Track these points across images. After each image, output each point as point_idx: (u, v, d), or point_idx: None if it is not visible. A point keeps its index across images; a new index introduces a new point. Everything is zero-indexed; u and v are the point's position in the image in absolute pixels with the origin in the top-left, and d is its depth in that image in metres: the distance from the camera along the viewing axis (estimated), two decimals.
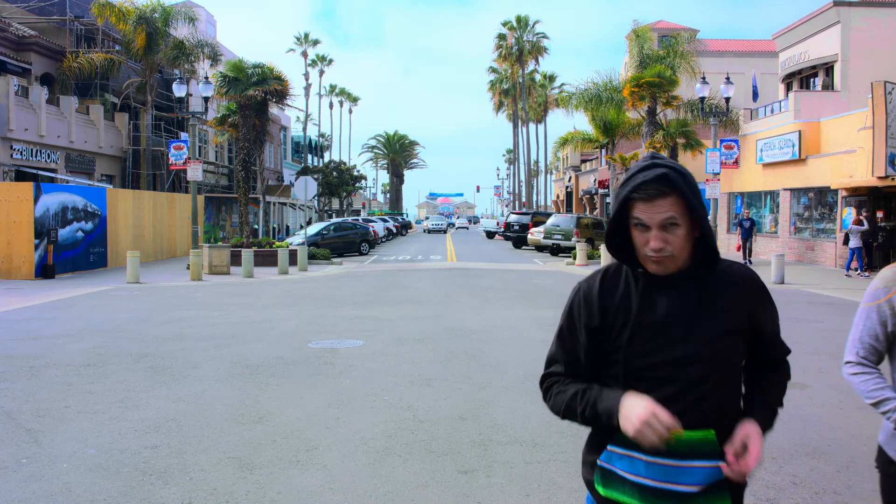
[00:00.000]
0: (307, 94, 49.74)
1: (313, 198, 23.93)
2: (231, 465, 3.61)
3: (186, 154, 16.92)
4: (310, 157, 49.44)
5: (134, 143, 23.14)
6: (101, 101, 22.25)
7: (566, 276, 15.39)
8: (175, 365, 5.98)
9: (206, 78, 17.77)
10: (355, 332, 7.67)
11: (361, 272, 16.64)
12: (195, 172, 16.63)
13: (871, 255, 14.78)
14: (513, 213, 33.56)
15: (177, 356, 6.34)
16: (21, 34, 20.32)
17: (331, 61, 52.51)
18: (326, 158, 51.23)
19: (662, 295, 1.36)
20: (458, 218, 76.41)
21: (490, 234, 40.50)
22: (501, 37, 44.14)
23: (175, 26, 23.29)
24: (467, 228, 62.12)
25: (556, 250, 22.26)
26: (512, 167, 61.87)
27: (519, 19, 43.66)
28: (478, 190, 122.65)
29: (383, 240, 31.67)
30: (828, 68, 20.65)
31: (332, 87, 58.74)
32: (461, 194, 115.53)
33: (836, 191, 16.42)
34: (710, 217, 15.72)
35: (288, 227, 30.24)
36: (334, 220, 29.85)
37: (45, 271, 13.96)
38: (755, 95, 23.31)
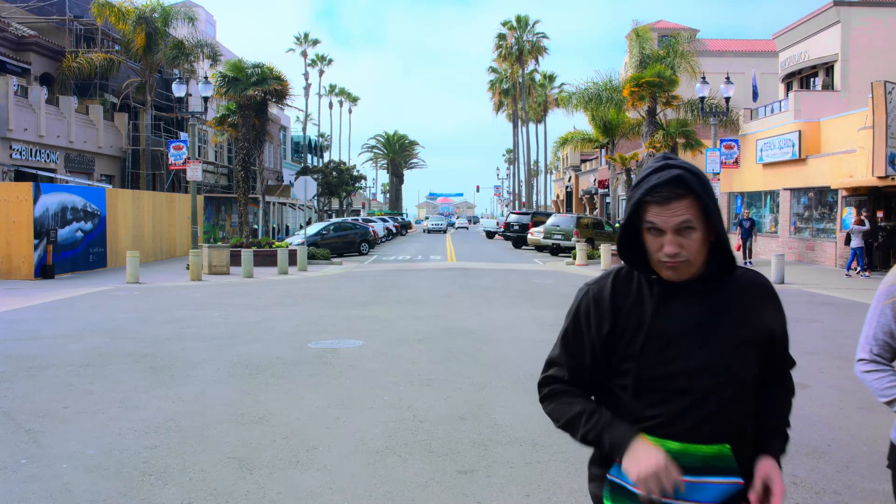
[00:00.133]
0: (307, 94, 49.77)
1: (313, 198, 23.92)
2: (231, 466, 3.60)
3: (186, 154, 16.91)
4: (309, 156, 49.45)
5: (133, 143, 23.14)
6: (101, 101, 22.24)
7: (566, 276, 15.38)
8: (175, 365, 5.98)
9: (206, 78, 17.76)
10: (355, 333, 7.66)
11: (361, 272, 16.63)
12: (195, 172, 16.62)
13: (871, 255, 14.77)
14: (513, 212, 33.55)
15: (176, 356, 6.33)
16: (20, 34, 20.31)
17: (330, 61, 52.52)
18: (326, 158, 51.25)
19: (678, 302, 1.30)
20: (457, 218, 76.42)
21: (490, 234, 40.51)
22: (501, 36, 44.16)
23: (175, 26, 23.28)
24: (467, 228, 62.13)
25: (555, 250, 22.26)
26: (512, 167, 61.91)
27: (519, 19, 43.67)
28: (478, 190, 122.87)
29: (383, 240, 31.67)
30: (828, 68, 20.65)
31: (332, 87, 58.76)
32: (461, 194, 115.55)
33: (836, 191, 16.43)
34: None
35: (287, 227, 30.24)
36: (334, 220, 29.85)
37: (44, 271, 13.95)
38: (755, 95, 23.31)
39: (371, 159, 66.11)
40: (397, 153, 63.99)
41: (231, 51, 31.61)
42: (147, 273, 14.93)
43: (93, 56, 21.38)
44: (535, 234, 23.94)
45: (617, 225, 25.74)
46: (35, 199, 13.84)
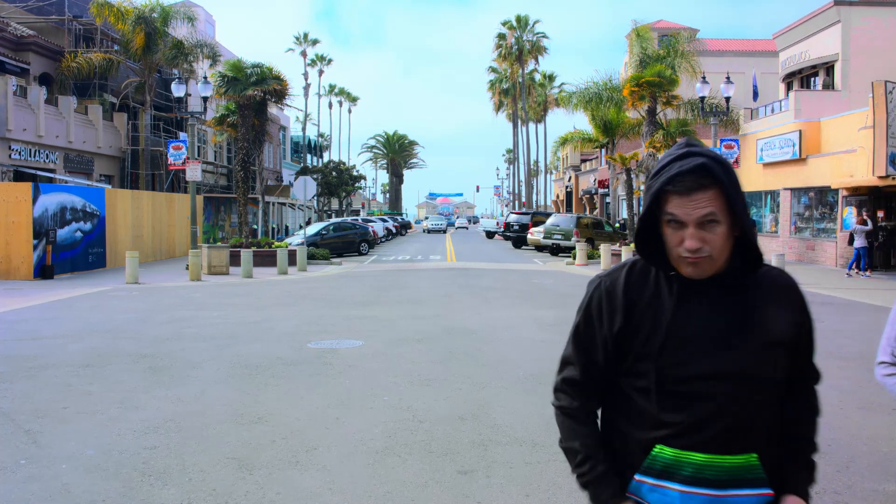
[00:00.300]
0: (306, 94, 49.75)
1: (312, 198, 23.91)
2: (230, 466, 3.60)
3: (185, 154, 16.90)
4: (309, 156, 49.44)
5: (133, 143, 23.13)
6: (100, 101, 22.23)
7: (566, 276, 15.38)
8: (174, 365, 5.97)
9: (205, 78, 17.74)
10: (355, 333, 7.66)
11: (361, 272, 16.63)
12: (194, 172, 16.61)
13: (871, 255, 14.78)
14: (512, 212, 33.55)
15: (176, 357, 6.33)
16: (19, 34, 20.30)
17: (330, 61, 52.50)
18: (326, 158, 51.24)
19: (698, 301, 1.20)
20: (457, 218, 76.44)
21: (490, 234, 40.52)
22: (501, 36, 44.16)
23: (174, 26, 23.27)
24: (467, 228, 62.14)
25: (555, 250, 22.26)
26: (512, 167, 61.92)
27: (519, 19, 43.67)
28: (477, 190, 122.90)
29: (383, 240, 31.66)
30: (828, 68, 20.64)
31: (332, 87, 58.73)
32: (461, 194, 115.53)
33: (836, 190, 16.42)
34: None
35: (287, 227, 30.23)
36: (333, 220, 29.84)
37: (43, 272, 13.94)
38: (755, 95, 23.31)
39: (371, 159, 66.13)
40: (397, 153, 63.98)
41: (230, 51, 31.61)
42: (146, 273, 14.92)
43: (92, 56, 21.37)
44: (535, 234, 23.94)
45: (617, 225, 25.77)
46: (34, 200, 13.83)
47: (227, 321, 8.51)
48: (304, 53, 50.13)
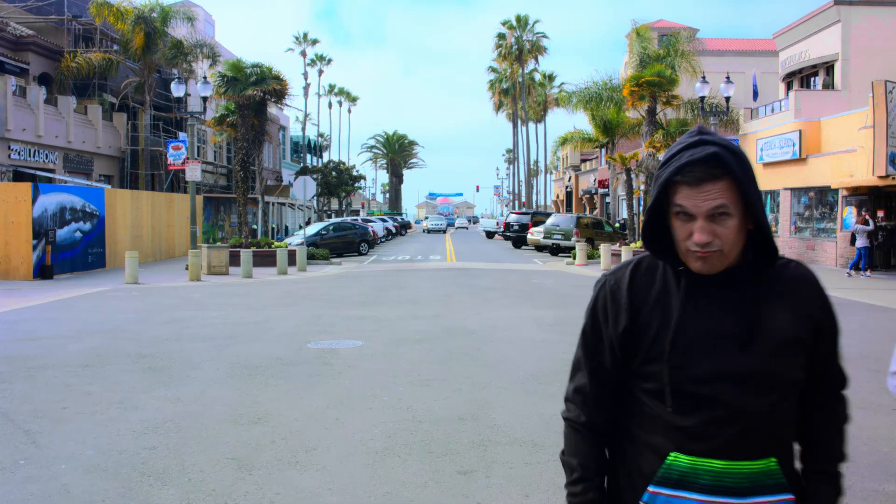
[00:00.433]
0: (306, 94, 49.74)
1: (312, 198, 23.90)
2: (230, 466, 3.59)
3: (185, 154, 16.88)
4: (309, 156, 49.43)
5: (132, 143, 23.12)
6: (100, 101, 22.22)
7: (566, 276, 15.37)
8: (174, 366, 5.97)
9: (205, 78, 17.74)
10: (354, 333, 7.65)
11: (360, 272, 16.62)
12: (194, 172, 16.60)
13: (871, 255, 14.78)
14: (512, 212, 33.55)
15: (175, 357, 6.32)
16: (19, 34, 20.29)
17: (330, 61, 52.50)
18: (325, 158, 51.24)
19: (709, 298, 1.14)
20: (457, 218, 76.47)
21: (490, 234, 40.54)
22: (501, 36, 44.17)
23: (173, 26, 23.26)
24: (466, 228, 62.14)
25: (555, 250, 22.25)
26: (511, 167, 61.94)
27: (519, 19, 43.68)
28: (477, 190, 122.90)
29: (382, 240, 31.65)
30: (828, 67, 20.64)
31: (332, 87, 58.74)
32: (461, 194, 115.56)
33: (836, 190, 16.42)
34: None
35: (287, 227, 30.23)
36: (333, 220, 29.84)
37: (43, 272, 13.93)
38: (755, 95, 23.30)
39: (370, 159, 66.14)
40: (397, 153, 63.99)
41: (230, 51, 31.60)
42: (146, 273, 14.91)
43: (91, 56, 21.36)
44: (535, 233, 23.93)
45: (617, 225, 25.75)
46: (34, 200, 13.82)
47: (226, 321, 8.50)
48: (303, 53, 50.13)
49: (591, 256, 18.68)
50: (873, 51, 19.04)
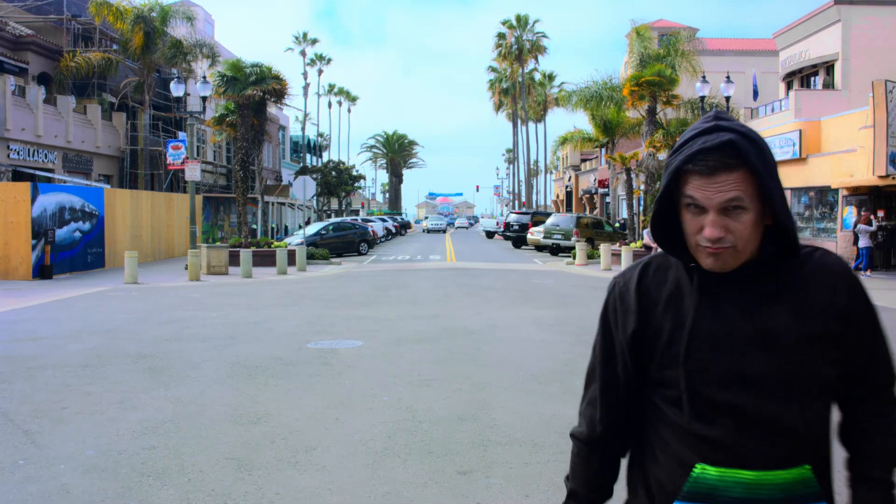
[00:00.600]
0: (306, 94, 49.73)
1: (312, 197, 23.90)
2: (229, 466, 3.59)
3: (184, 154, 16.87)
4: (308, 156, 49.42)
5: (132, 142, 23.11)
6: (99, 100, 22.20)
7: (566, 276, 15.37)
8: (173, 366, 5.96)
9: (204, 77, 17.73)
10: (354, 333, 7.64)
11: (360, 272, 16.61)
12: (193, 172, 16.59)
13: (871, 256, 14.79)
14: (512, 212, 33.55)
15: (175, 357, 6.31)
16: (18, 33, 20.27)
17: (329, 60, 52.49)
18: (325, 158, 51.23)
19: (725, 296, 1.05)
20: (457, 217, 76.46)
21: (489, 234, 40.55)
22: (501, 36, 44.17)
23: (173, 26, 23.25)
24: (466, 228, 62.13)
25: (555, 250, 22.25)
26: (511, 167, 61.95)
27: (518, 18, 43.68)
28: (477, 189, 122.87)
29: (382, 240, 31.64)
30: (828, 67, 20.64)
31: (331, 87, 58.73)
32: (460, 194, 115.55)
33: (836, 190, 16.42)
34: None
35: (286, 226, 30.22)
36: (333, 219, 29.83)
37: (42, 272, 13.92)
38: (755, 94, 23.31)
39: (370, 159, 66.14)
40: (396, 153, 63.99)
41: (229, 50, 31.59)
42: (145, 273, 14.90)
43: (91, 55, 21.35)
44: (535, 233, 23.93)
45: (617, 225, 25.74)
46: (33, 200, 13.81)
47: (226, 321, 8.49)
48: (303, 53, 50.11)
49: (591, 256, 18.67)
50: (873, 50, 19.04)
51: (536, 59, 44.68)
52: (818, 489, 1.05)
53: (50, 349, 6.67)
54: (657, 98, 18.94)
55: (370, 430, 4.18)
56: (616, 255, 17.26)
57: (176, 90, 17.26)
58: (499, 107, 49.90)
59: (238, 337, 7.35)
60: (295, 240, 20.75)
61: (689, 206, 1.03)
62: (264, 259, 17.35)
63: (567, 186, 47.84)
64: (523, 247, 26.59)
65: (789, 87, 22.49)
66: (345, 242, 23.00)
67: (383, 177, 78.00)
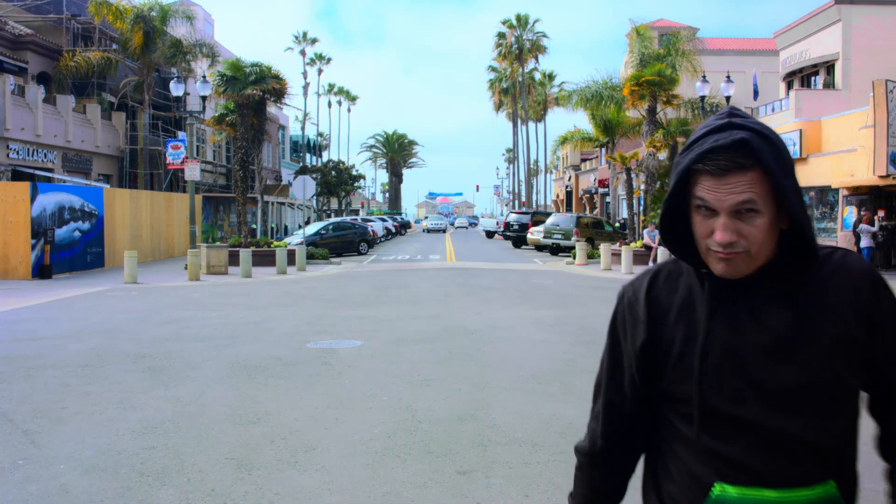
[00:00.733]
0: (305, 93, 49.73)
1: (312, 197, 23.90)
2: (229, 466, 3.58)
3: (184, 153, 16.87)
4: (308, 156, 49.42)
5: (131, 142, 23.10)
6: (98, 100, 22.19)
7: (566, 276, 15.37)
8: (173, 366, 5.96)
9: (204, 77, 17.72)
10: (354, 333, 7.64)
11: (360, 272, 16.61)
12: (193, 172, 16.58)
13: (872, 256, 14.79)
14: (512, 212, 33.56)
15: (175, 357, 6.31)
16: (17, 33, 20.26)
17: (329, 60, 52.49)
18: (325, 158, 51.25)
19: (740, 304, 0.99)
20: (457, 217, 76.48)
21: (489, 234, 40.57)
22: (501, 35, 44.18)
23: (173, 25, 23.25)
24: (466, 228, 62.12)
25: (555, 250, 22.25)
26: (511, 166, 61.95)
27: (519, 18, 43.69)
28: (477, 189, 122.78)
29: (382, 239, 31.64)
30: (829, 67, 20.64)
31: (331, 86, 58.72)
32: (460, 193, 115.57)
33: (836, 190, 16.42)
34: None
35: (286, 226, 30.22)
36: (333, 219, 29.83)
37: (41, 271, 13.92)
38: (756, 94, 23.32)
39: (370, 159, 66.14)
40: (396, 152, 63.98)
41: (229, 50, 31.58)
42: (145, 273, 14.89)
43: (90, 55, 21.33)
44: (535, 233, 23.93)
45: (617, 225, 25.74)
46: (32, 199, 13.80)
47: (225, 321, 8.49)
48: (303, 52, 50.10)
49: (591, 256, 18.66)
50: (874, 50, 19.03)
51: (536, 58, 44.70)
52: None
53: (49, 349, 6.66)
54: (657, 98, 18.93)
55: (370, 430, 4.17)
56: (616, 255, 17.26)
57: (175, 90, 17.25)
58: (499, 106, 49.90)
59: (238, 337, 7.35)
60: (294, 239, 20.74)
61: (699, 208, 0.97)
62: (264, 259, 17.34)
63: (567, 186, 47.84)
64: (523, 246, 26.59)
65: (790, 86, 22.49)
66: (344, 242, 22.99)
67: (383, 176, 78.06)
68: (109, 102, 22.86)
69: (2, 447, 3.88)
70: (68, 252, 15.00)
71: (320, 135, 56.22)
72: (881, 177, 14.18)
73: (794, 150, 18.05)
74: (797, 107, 19.15)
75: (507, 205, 71.77)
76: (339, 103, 60.41)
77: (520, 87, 45.05)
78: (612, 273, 15.70)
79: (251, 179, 20.06)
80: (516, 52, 43.74)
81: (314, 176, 35.06)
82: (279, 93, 19.86)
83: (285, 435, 4.09)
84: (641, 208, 20.68)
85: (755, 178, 0.94)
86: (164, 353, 6.47)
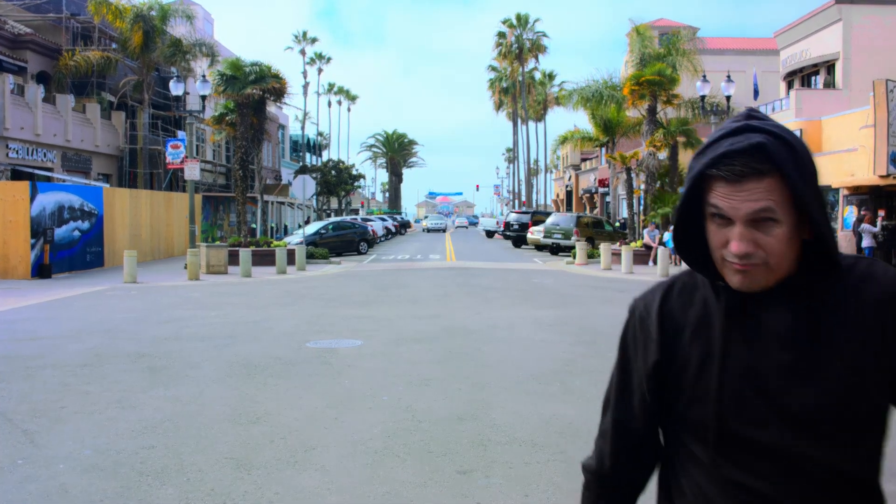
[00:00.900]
0: (305, 93, 49.71)
1: (311, 197, 23.88)
2: (228, 466, 3.58)
3: (184, 153, 16.86)
4: (308, 155, 49.41)
5: (131, 141, 23.09)
6: (98, 99, 22.18)
7: (566, 276, 15.37)
8: (173, 365, 5.95)
9: (204, 76, 17.70)
10: (354, 332, 7.63)
11: (360, 272, 16.60)
12: (192, 171, 16.57)
13: (872, 256, 14.79)
14: (512, 212, 33.55)
15: (174, 356, 6.30)
16: (17, 32, 20.25)
17: (329, 60, 52.47)
18: (325, 157, 51.25)
19: (759, 319, 0.93)
20: (457, 217, 76.49)
21: (489, 233, 40.57)
22: (501, 35, 44.19)
23: (172, 24, 23.24)
24: (466, 228, 62.12)
25: (555, 249, 22.25)
26: (511, 166, 61.94)
27: (519, 17, 43.69)
28: (477, 189, 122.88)
29: (382, 239, 31.63)
30: (829, 66, 20.63)
31: (331, 86, 58.71)
32: (460, 193, 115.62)
33: (837, 189, 16.42)
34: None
35: (286, 226, 30.22)
36: (333, 219, 29.83)
37: (41, 271, 13.91)
38: (756, 94, 23.32)
39: (370, 158, 66.10)
40: (396, 152, 63.96)
41: (229, 49, 31.56)
42: (145, 273, 14.89)
43: (90, 54, 21.32)
44: (535, 233, 23.92)
45: (617, 224, 25.74)
46: (32, 199, 13.79)
47: (225, 321, 8.48)
48: (302, 52, 50.07)
49: (592, 256, 18.66)
50: (874, 50, 19.03)
51: (537, 58, 44.70)
52: None
53: (49, 348, 6.65)
54: (657, 97, 18.93)
55: (370, 429, 4.17)
56: (616, 255, 17.25)
57: (175, 89, 17.23)
58: (499, 106, 49.89)
59: (237, 336, 7.34)
60: (294, 239, 20.73)
61: (713, 217, 0.91)
62: (264, 258, 17.34)
63: (567, 186, 47.83)
64: (523, 246, 26.58)
65: (790, 86, 22.48)
66: (344, 242, 22.98)
67: (383, 176, 78.03)
68: (109, 102, 22.85)
69: (1, 446, 3.87)
70: (68, 251, 14.99)
71: (320, 134, 56.22)
72: (881, 176, 14.18)
73: None
74: (797, 106, 19.15)
75: (507, 204, 71.75)
76: (339, 103, 60.41)
77: (520, 87, 45.05)
78: (613, 273, 15.69)
79: (251, 179, 20.04)
80: (516, 52, 43.73)
81: (314, 175, 35.05)
82: (279, 92, 19.85)
83: (285, 434, 4.08)
84: (641, 208, 20.67)
85: (773, 185, 0.87)
86: (163, 352, 6.46)
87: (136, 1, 22.41)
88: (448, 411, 4.57)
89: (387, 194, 77.79)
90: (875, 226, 14.01)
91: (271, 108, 24.56)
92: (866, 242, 14.13)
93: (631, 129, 23.63)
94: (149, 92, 22.86)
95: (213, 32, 33.82)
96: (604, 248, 17.10)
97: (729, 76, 17.44)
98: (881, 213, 15.41)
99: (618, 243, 19.24)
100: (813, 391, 0.90)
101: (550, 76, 49.24)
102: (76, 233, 15.36)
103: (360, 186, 54.15)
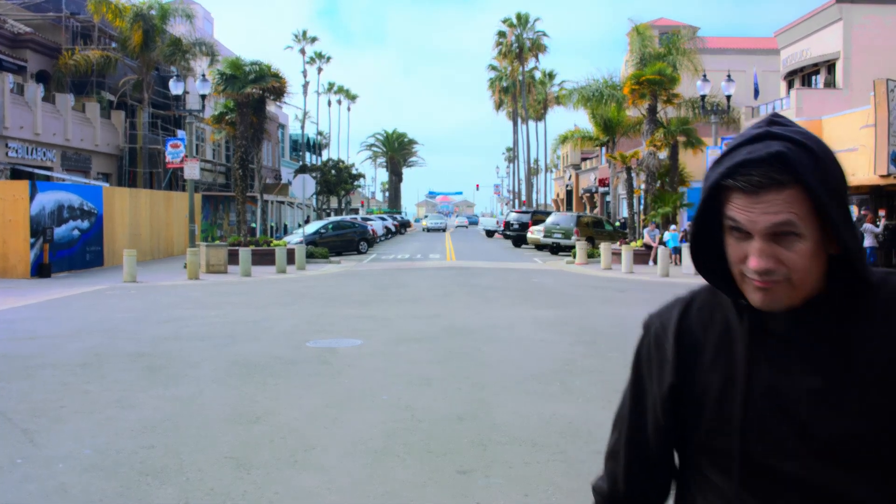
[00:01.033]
0: (305, 92, 49.67)
1: (311, 196, 23.89)
2: (228, 465, 3.57)
3: (183, 152, 16.85)
4: (308, 155, 49.40)
5: (130, 140, 23.08)
6: (98, 98, 22.17)
7: (566, 275, 15.37)
8: (172, 365, 5.94)
9: (204, 75, 17.69)
10: (354, 332, 7.63)
11: (360, 271, 16.60)
12: (192, 170, 16.56)
13: (873, 255, 14.78)
14: (512, 211, 33.55)
15: (174, 356, 6.30)
16: (17, 31, 20.24)
17: (329, 59, 52.42)
18: (325, 157, 51.24)
19: (784, 341, 0.86)
20: (457, 216, 76.51)
21: (489, 233, 40.57)
22: (501, 34, 44.17)
23: (172, 23, 23.23)
24: (466, 227, 62.12)
25: (555, 249, 22.25)
26: (512, 165, 61.93)
27: (519, 17, 43.68)
28: (477, 188, 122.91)
29: (382, 238, 31.63)
30: (830, 66, 20.63)
31: (331, 85, 58.67)
32: (460, 192, 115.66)
33: None
34: None
35: (286, 225, 30.21)
36: (332, 218, 29.84)
37: (40, 270, 13.90)
38: (756, 93, 23.30)
39: (370, 157, 66.11)
40: (396, 151, 63.96)
41: (229, 48, 31.54)
42: (144, 272, 14.88)
43: (89, 53, 21.31)
44: (535, 232, 23.92)
45: (617, 224, 25.74)
46: (31, 198, 13.78)
47: (225, 320, 8.48)
48: (302, 51, 50.03)
49: (592, 255, 18.65)
50: (874, 49, 19.02)
51: (537, 57, 44.68)
52: None
53: (48, 348, 6.65)
54: (658, 96, 18.91)
55: (369, 429, 4.16)
56: (616, 255, 17.25)
57: (175, 88, 17.21)
58: (499, 105, 49.87)
59: (237, 336, 7.33)
60: (294, 238, 20.72)
61: (731, 230, 0.84)
62: (263, 258, 17.33)
63: (567, 185, 47.83)
64: (523, 246, 26.58)
65: (790, 85, 22.47)
66: (344, 241, 22.97)
67: (383, 175, 78.00)
68: (109, 101, 22.84)
69: (1, 446, 3.87)
70: (67, 251, 14.99)
71: (320, 133, 56.19)
72: (882, 176, 14.18)
73: None
74: (798, 106, 19.14)
75: (507, 204, 71.73)
76: (339, 102, 60.37)
77: (520, 86, 45.03)
78: (613, 272, 15.69)
79: (251, 178, 20.03)
80: (516, 51, 43.71)
81: (314, 175, 35.04)
82: (279, 91, 19.83)
83: (284, 434, 4.07)
84: (642, 207, 20.67)
85: (794, 197, 0.81)
86: (163, 352, 6.46)
87: (136, 0, 22.39)
88: (448, 411, 4.57)
89: (387, 194, 77.79)
90: (876, 226, 13.99)
91: (271, 108, 24.57)
92: (867, 242, 14.13)
93: (631, 128, 23.62)
94: (148, 91, 22.85)
95: (213, 31, 33.80)
96: (604, 247, 17.10)
97: (729, 76, 17.43)
98: (881, 212, 15.41)
99: (618, 243, 19.23)
100: (844, 419, 0.83)
101: (550, 75, 49.22)
102: (76, 232, 15.35)
103: (359, 186, 54.16)
